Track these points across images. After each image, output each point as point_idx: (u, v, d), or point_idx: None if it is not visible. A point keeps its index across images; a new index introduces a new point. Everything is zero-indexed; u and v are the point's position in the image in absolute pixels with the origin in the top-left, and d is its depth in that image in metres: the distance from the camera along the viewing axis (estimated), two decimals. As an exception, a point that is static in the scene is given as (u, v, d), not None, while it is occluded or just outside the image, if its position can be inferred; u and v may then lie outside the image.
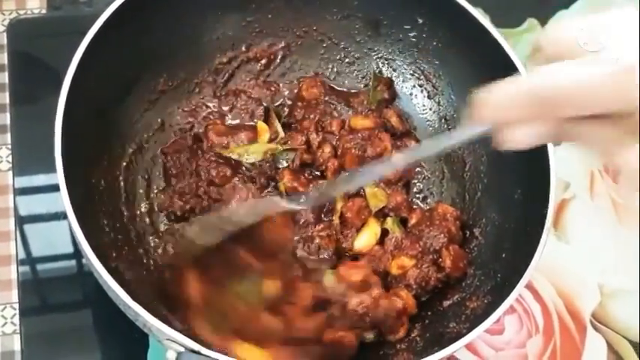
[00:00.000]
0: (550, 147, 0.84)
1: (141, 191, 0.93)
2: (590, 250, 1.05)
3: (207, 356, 0.68)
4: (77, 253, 0.97)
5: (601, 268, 1.04)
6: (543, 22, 1.22)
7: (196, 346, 0.68)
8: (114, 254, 0.83)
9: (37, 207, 0.99)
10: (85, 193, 0.83)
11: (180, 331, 0.69)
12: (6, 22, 1.15)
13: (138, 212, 0.91)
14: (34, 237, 0.98)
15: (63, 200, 0.73)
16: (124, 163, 0.92)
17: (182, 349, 0.69)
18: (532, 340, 0.98)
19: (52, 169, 0.75)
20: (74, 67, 0.80)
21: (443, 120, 1.00)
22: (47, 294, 0.96)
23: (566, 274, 1.02)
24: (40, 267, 0.97)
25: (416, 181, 0.99)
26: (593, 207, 1.08)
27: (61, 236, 0.97)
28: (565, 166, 1.09)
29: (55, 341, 0.92)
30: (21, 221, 0.99)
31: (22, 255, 0.96)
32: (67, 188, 0.74)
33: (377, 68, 1.03)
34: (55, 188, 0.75)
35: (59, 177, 0.74)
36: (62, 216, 0.97)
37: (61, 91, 0.79)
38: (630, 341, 0.99)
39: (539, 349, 0.97)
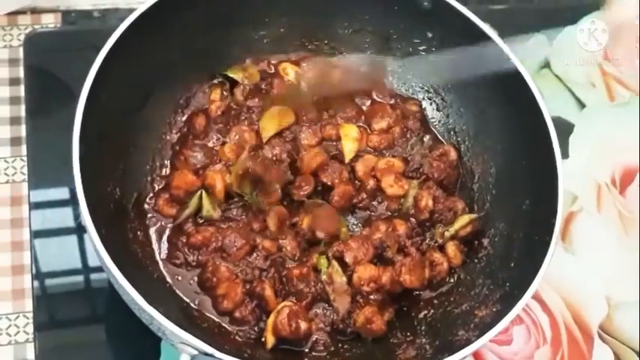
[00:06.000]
0: (558, 157, 0.85)
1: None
2: (598, 263, 1.06)
3: (221, 359, 0.69)
4: (92, 267, 0.98)
5: (608, 280, 1.05)
6: (551, 38, 1.23)
7: (209, 349, 0.70)
8: (129, 261, 0.84)
9: (50, 222, 1.00)
10: (101, 202, 0.84)
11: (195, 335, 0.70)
12: (22, 37, 1.16)
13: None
14: (48, 251, 0.99)
15: (81, 208, 0.75)
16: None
17: (195, 352, 0.70)
18: (540, 350, 0.99)
19: (65, 182, 0.76)
20: (90, 81, 0.81)
21: (452, 132, 1.02)
22: (61, 308, 0.97)
23: (573, 286, 1.03)
24: (54, 281, 0.98)
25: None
26: (600, 219, 1.09)
27: (75, 251, 0.98)
28: (573, 179, 1.10)
29: (68, 354, 0.93)
30: (35, 236, 1.00)
31: (36, 269, 0.97)
32: (85, 195, 0.75)
33: (387, 82, 1.04)
34: (68, 202, 0.76)
35: (77, 184, 0.75)
36: (75, 230, 0.99)
37: (78, 104, 0.80)
38: (637, 352, 1.00)
39: (547, 360, 0.98)
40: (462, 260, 0.93)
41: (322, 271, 0.88)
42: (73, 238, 1.00)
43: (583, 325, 1.01)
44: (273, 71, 1.02)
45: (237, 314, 0.86)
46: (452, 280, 0.92)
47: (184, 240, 0.89)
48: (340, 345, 0.87)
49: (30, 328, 1.02)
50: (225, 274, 0.87)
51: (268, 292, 0.86)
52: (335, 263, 0.88)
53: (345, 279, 0.87)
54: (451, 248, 0.93)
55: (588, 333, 1.01)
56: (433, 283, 0.92)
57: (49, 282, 0.98)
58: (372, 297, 0.87)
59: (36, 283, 0.96)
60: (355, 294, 0.87)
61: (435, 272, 0.91)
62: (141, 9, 0.87)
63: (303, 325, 0.85)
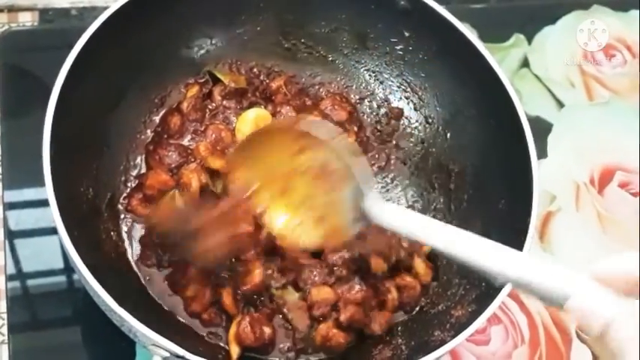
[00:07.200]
0: (533, 157, 0.85)
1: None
2: (576, 262, 1.06)
3: (192, 361, 0.69)
4: (67, 269, 0.97)
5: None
6: (530, 37, 1.24)
7: (181, 351, 0.69)
8: (102, 262, 0.83)
9: (25, 222, 0.99)
10: (74, 202, 0.83)
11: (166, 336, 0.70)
12: (-2, 36, 1.15)
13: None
14: (23, 252, 0.98)
15: (51, 208, 0.74)
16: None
17: (167, 354, 0.70)
18: (518, 350, 0.99)
19: (41, 182, 0.75)
20: (62, 80, 0.80)
21: (429, 130, 1.01)
22: (36, 309, 0.96)
23: (552, 285, 1.03)
24: (29, 282, 0.97)
25: (402, 192, 1.00)
26: (578, 219, 1.09)
27: (51, 251, 0.97)
28: (551, 178, 1.10)
29: (43, 356, 0.93)
30: (10, 236, 0.99)
31: (11, 270, 0.96)
32: (56, 196, 0.74)
33: (364, 81, 1.04)
34: (43, 203, 0.75)
35: (47, 184, 0.74)
36: (52, 231, 0.98)
37: (49, 104, 0.79)
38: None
39: (525, 360, 0.98)
40: (432, 276, 0.91)
41: (272, 292, 0.87)
42: (48, 239, 0.98)
43: (561, 325, 1.01)
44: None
45: (205, 316, 0.86)
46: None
47: (157, 240, 0.89)
48: (314, 347, 0.87)
49: (5, 330, 1.01)
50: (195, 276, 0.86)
51: (227, 301, 0.85)
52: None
53: (297, 295, 0.86)
54: (420, 266, 0.91)
55: (566, 333, 1.01)
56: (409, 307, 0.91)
57: (23, 283, 0.97)
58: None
59: (10, 284, 0.96)
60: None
61: (409, 296, 0.90)
62: (114, 7, 0.86)
63: (268, 330, 0.84)
